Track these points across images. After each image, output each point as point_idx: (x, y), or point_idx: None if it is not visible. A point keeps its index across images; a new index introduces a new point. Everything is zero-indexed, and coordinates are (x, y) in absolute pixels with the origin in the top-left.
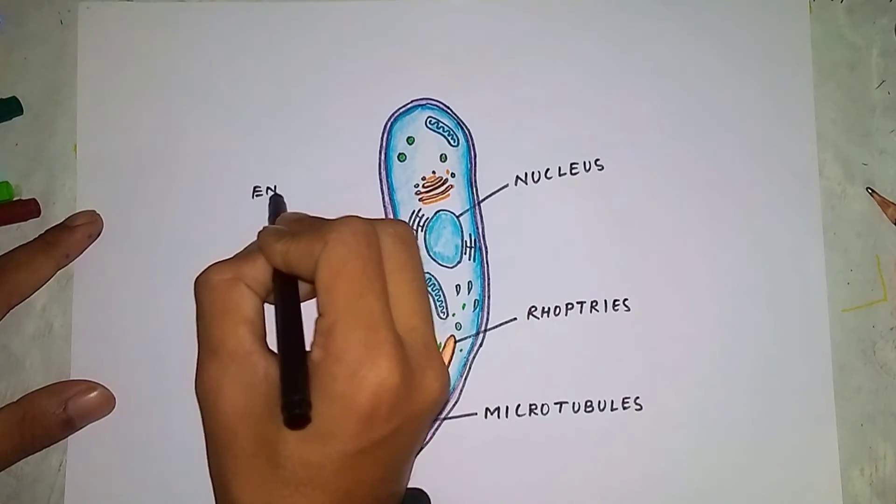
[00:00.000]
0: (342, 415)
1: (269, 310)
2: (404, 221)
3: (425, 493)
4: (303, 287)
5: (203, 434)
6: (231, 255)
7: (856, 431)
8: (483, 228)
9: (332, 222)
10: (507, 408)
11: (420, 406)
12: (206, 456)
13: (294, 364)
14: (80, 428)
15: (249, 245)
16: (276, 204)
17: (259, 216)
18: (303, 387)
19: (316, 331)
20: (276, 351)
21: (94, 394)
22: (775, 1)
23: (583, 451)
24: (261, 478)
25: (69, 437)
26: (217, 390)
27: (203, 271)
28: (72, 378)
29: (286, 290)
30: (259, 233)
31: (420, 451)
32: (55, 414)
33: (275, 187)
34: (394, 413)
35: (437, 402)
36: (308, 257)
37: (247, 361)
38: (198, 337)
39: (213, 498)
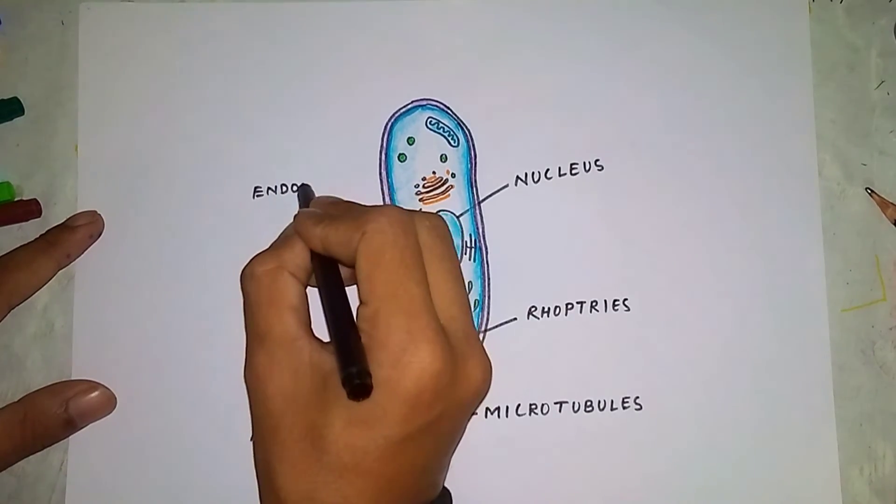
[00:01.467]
0: (388, 400)
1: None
2: (440, 215)
3: (449, 493)
4: (342, 269)
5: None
6: (234, 255)
7: (855, 431)
8: (483, 228)
9: (370, 211)
10: (507, 408)
11: (464, 393)
12: (201, 457)
13: (348, 338)
14: (81, 428)
15: (285, 230)
16: (306, 194)
17: (260, 216)
18: (360, 358)
19: (359, 318)
20: (320, 338)
21: (94, 394)
22: (775, 1)
23: (583, 451)
24: (305, 464)
25: (70, 437)
26: (265, 376)
27: (247, 263)
28: (73, 378)
29: (328, 272)
30: (295, 216)
31: (460, 441)
32: (56, 414)
33: (276, 188)
34: (437, 399)
35: (480, 390)
36: (347, 244)
37: (293, 347)
38: (245, 327)
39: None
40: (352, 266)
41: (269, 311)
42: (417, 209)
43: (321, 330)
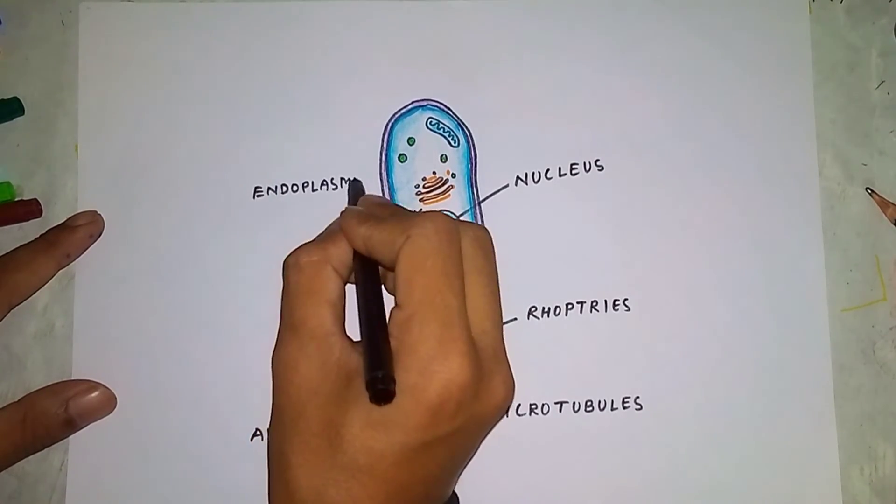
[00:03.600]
0: (411, 406)
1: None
2: (485, 227)
3: (457, 497)
4: (381, 271)
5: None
6: (235, 255)
7: (855, 431)
8: None
9: (417, 216)
10: (507, 407)
11: (485, 408)
12: (201, 457)
13: (378, 341)
14: (82, 428)
15: (331, 225)
16: (356, 189)
17: (260, 216)
18: (387, 363)
19: (391, 321)
20: (351, 337)
21: (95, 394)
22: (775, 1)
23: (583, 450)
24: (320, 459)
25: (70, 437)
26: (293, 366)
27: (292, 253)
28: (73, 378)
29: (368, 272)
30: (342, 213)
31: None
32: (56, 414)
33: (276, 188)
34: (460, 411)
35: (501, 407)
36: (390, 246)
37: (325, 342)
38: (281, 313)
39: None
40: (392, 269)
41: (307, 302)
42: (418, 209)
43: (354, 329)
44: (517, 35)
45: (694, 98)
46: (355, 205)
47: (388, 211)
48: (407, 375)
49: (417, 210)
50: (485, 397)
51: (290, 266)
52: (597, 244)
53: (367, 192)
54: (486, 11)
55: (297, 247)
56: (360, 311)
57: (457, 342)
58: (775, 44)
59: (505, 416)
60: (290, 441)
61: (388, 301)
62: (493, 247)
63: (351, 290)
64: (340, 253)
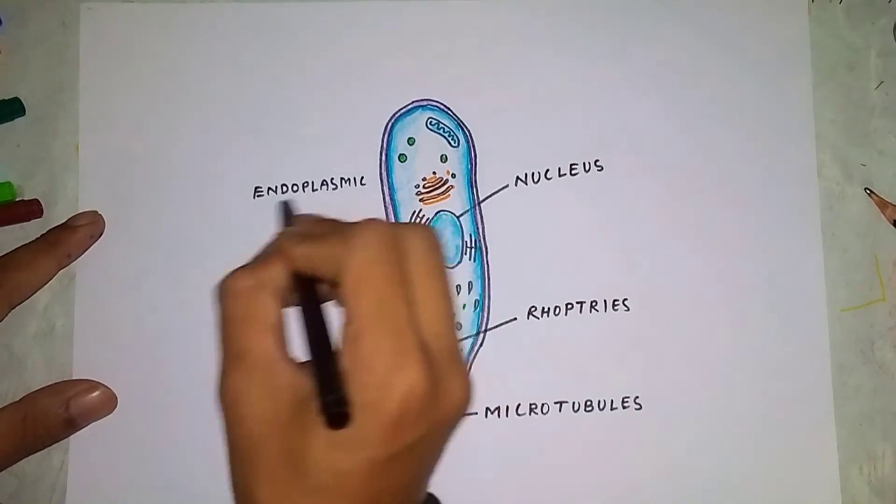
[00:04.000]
0: (371, 423)
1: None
2: (430, 227)
3: (436, 499)
4: (321, 288)
5: (221, 446)
6: (235, 255)
7: (854, 431)
8: (483, 229)
9: (355, 226)
10: (507, 407)
11: (445, 413)
12: (200, 457)
13: (328, 364)
14: (82, 427)
15: (265, 248)
16: (287, 210)
17: (260, 216)
18: (339, 385)
19: (342, 337)
20: (296, 358)
21: (95, 393)
22: (775, 2)
23: (583, 450)
24: (286, 487)
25: (71, 437)
26: (242, 399)
27: (225, 278)
28: (74, 377)
29: (308, 293)
30: (278, 235)
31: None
32: (57, 413)
33: (276, 188)
34: (420, 419)
35: (461, 409)
36: (331, 261)
37: (272, 369)
38: (220, 344)
39: (214, 500)
40: (336, 285)
41: (247, 330)
42: (418, 209)
43: (298, 349)
44: (517, 35)
45: (694, 98)
46: (288, 224)
47: (325, 227)
48: (364, 392)
49: (417, 210)
50: (444, 401)
51: (224, 293)
52: (597, 244)
53: (364, 192)
54: (486, 11)
55: (228, 272)
56: (305, 333)
57: (411, 352)
58: (775, 44)
59: (504, 416)
60: (252, 475)
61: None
62: (440, 246)
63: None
64: (275, 276)
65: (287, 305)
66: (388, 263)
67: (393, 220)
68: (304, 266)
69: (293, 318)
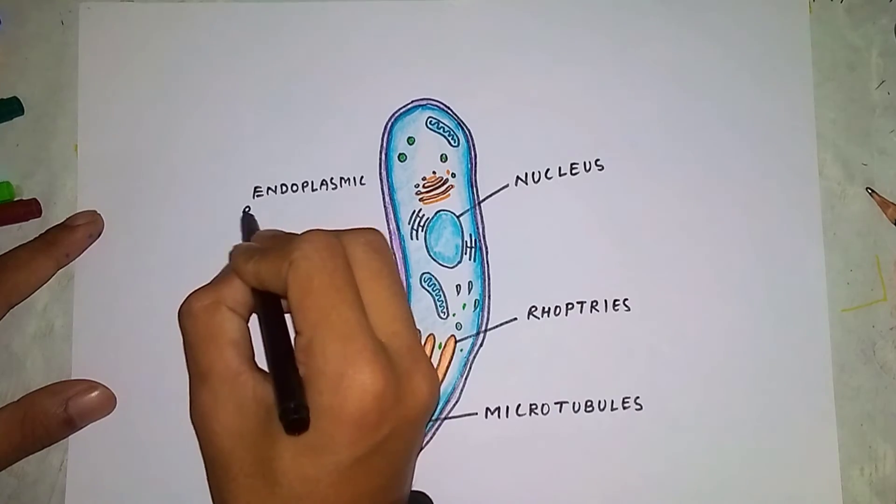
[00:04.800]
0: (333, 426)
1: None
2: (375, 229)
3: (428, 497)
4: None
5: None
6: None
7: (856, 431)
8: (483, 228)
9: (296, 239)
10: (507, 408)
11: (411, 410)
12: (201, 457)
13: (285, 372)
14: (81, 428)
15: (226, 266)
16: (249, 222)
17: (259, 216)
18: (297, 392)
19: (296, 348)
20: (263, 369)
21: (94, 393)
22: (775, 1)
23: (583, 451)
24: (259, 498)
25: (70, 437)
26: (210, 415)
27: (184, 301)
28: (73, 378)
29: (267, 305)
30: (230, 252)
31: (419, 453)
32: (56, 413)
33: (248, 208)
34: (384, 419)
35: (428, 404)
36: (276, 276)
37: (236, 383)
38: (187, 365)
39: None
40: (286, 297)
41: (208, 348)
42: (418, 209)
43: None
44: (517, 35)
45: (694, 98)
46: (248, 238)
47: (274, 242)
48: (321, 398)
49: (417, 209)
50: (408, 398)
51: (184, 314)
52: (597, 244)
53: (364, 192)
54: (486, 11)
55: (188, 294)
56: (264, 345)
57: (362, 352)
58: (775, 43)
59: (505, 416)
60: (226, 488)
61: None
62: (387, 247)
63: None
64: (234, 292)
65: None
66: (328, 272)
67: (393, 220)
68: (254, 282)
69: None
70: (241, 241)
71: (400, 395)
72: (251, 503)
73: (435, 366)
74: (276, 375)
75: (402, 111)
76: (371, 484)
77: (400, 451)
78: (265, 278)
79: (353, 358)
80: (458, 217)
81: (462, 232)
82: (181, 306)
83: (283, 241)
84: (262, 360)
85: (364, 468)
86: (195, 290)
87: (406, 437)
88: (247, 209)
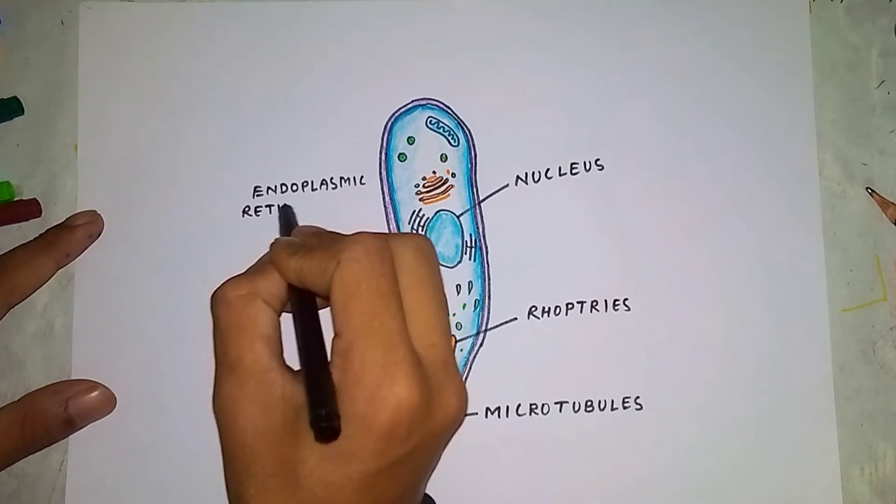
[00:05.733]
0: (362, 435)
1: (286, 323)
2: (424, 236)
3: (431, 498)
4: (318, 298)
5: (220, 449)
6: (233, 255)
7: (856, 431)
8: (483, 228)
9: (345, 240)
10: (507, 408)
11: (439, 424)
12: (201, 457)
13: (319, 377)
14: (81, 427)
15: (263, 257)
16: (287, 215)
17: (260, 216)
18: (329, 400)
19: (333, 351)
20: (292, 367)
21: (94, 393)
22: (775, 1)
23: (583, 451)
24: (279, 498)
25: (70, 437)
26: (235, 408)
27: (219, 287)
28: (73, 378)
29: (303, 304)
30: (271, 245)
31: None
32: (56, 413)
33: (275, 187)
34: (413, 431)
35: (456, 419)
36: (321, 275)
37: (265, 379)
38: (215, 353)
39: (214, 500)
40: (327, 297)
41: (239, 339)
42: (418, 209)
43: (294, 357)
44: (517, 35)
45: (694, 98)
46: (287, 231)
47: (319, 240)
48: (354, 406)
49: (417, 209)
50: (437, 412)
51: (218, 301)
52: (597, 244)
53: (363, 192)
54: (486, 11)
55: (224, 280)
56: (298, 345)
57: (401, 364)
58: (775, 43)
59: (505, 416)
60: (245, 485)
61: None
62: (434, 255)
63: (288, 319)
64: (271, 285)
65: (285, 310)
66: (376, 277)
67: (393, 220)
68: (294, 279)
69: (291, 327)
70: (278, 237)
71: (430, 408)
72: (270, 502)
73: None
74: (310, 379)
75: (402, 111)
76: (391, 494)
77: (423, 463)
78: (308, 276)
79: (391, 369)
80: (458, 217)
81: (462, 232)
82: (215, 292)
83: (329, 240)
84: (288, 357)
85: (387, 478)
86: (231, 278)
87: (430, 450)
88: (284, 207)
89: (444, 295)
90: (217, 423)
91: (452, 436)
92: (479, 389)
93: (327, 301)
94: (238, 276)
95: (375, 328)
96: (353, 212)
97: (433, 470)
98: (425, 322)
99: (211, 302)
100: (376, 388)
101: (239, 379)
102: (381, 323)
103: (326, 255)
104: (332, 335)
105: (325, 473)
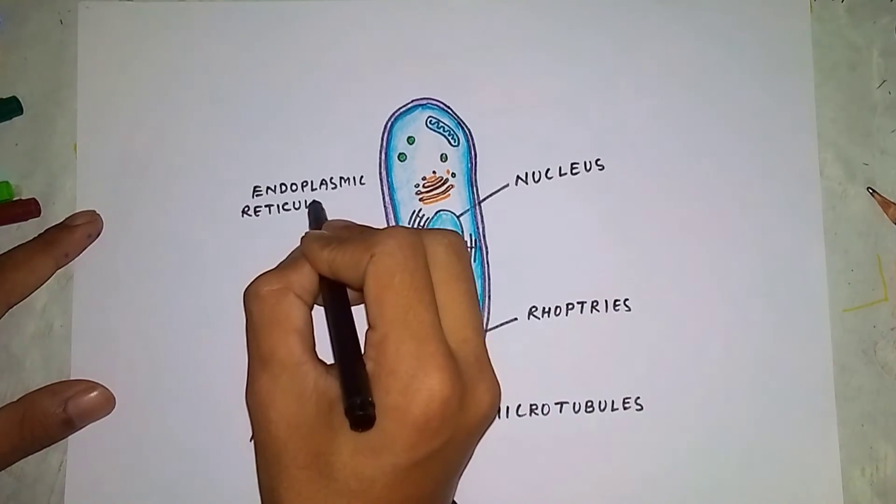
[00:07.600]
0: (396, 427)
1: (317, 318)
2: (455, 231)
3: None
4: (350, 292)
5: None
6: (233, 255)
7: (857, 431)
8: (483, 228)
9: (379, 233)
10: (507, 408)
11: (472, 418)
12: (200, 457)
13: (353, 366)
14: (80, 428)
15: (293, 251)
16: (316, 210)
17: (260, 216)
18: (364, 388)
19: (366, 342)
20: (324, 360)
21: (94, 394)
22: (776, 1)
23: (583, 451)
24: (312, 491)
25: (69, 437)
26: (268, 401)
27: (252, 282)
28: (72, 378)
29: (336, 296)
30: (302, 238)
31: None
32: (55, 414)
33: (275, 187)
34: (446, 425)
35: (489, 415)
36: (355, 268)
37: (298, 371)
38: (248, 348)
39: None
40: (360, 290)
41: (273, 333)
42: (418, 209)
43: (325, 350)
44: (517, 35)
45: (694, 98)
46: (317, 226)
47: (351, 232)
48: (388, 397)
49: (417, 209)
50: (470, 407)
51: (251, 296)
52: (597, 244)
53: (363, 191)
54: (486, 11)
55: (256, 276)
56: (331, 336)
57: (434, 357)
58: (776, 43)
59: (505, 417)
60: (278, 478)
61: (361, 318)
62: (467, 251)
63: (320, 313)
64: (303, 279)
65: (316, 303)
66: (409, 271)
67: (392, 220)
68: (327, 271)
69: (322, 320)
70: (309, 231)
71: (464, 403)
72: (303, 495)
73: None
74: (344, 369)
75: (402, 111)
76: (423, 488)
77: (455, 458)
78: (340, 268)
79: (424, 361)
80: (458, 217)
81: (462, 232)
82: (248, 287)
83: (361, 233)
84: (321, 350)
85: (419, 472)
86: (263, 273)
87: (463, 445)
88: (314, 202)
89: (476, 291)
90: (250, 416)
91: (484, 432)
92: None
93: (357, 293)
94: (270, 271)
95: (409, 321)
96: (352, 212)
97: (464, 468)
98: (458, 317)
99: (244, 297)
100: (410, 379)
101: (272, 372)
102: (414, 316)
103: (360, 248)
104: (366, 328)
105: (359, 466)
